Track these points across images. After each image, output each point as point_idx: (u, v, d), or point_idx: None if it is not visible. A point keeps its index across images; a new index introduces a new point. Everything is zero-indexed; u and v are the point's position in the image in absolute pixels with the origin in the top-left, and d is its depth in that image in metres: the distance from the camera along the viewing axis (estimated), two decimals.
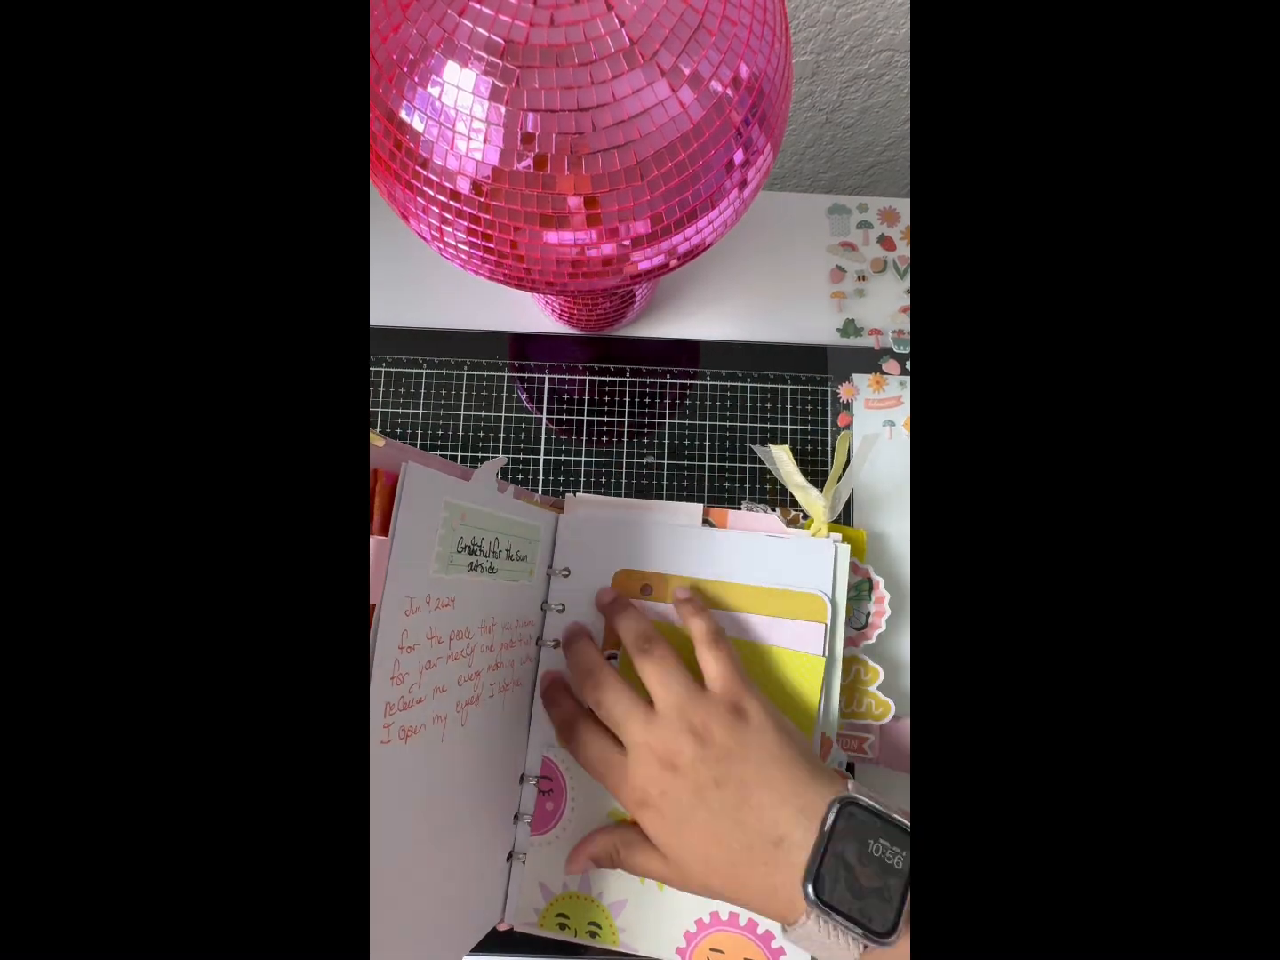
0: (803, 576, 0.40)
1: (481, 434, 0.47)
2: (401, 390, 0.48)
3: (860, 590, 0.43)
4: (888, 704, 0.41)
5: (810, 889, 0.30)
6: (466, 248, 0.30)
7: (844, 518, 0.46)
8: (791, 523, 0.42)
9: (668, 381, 0.49)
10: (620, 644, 0.39)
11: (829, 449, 0.47)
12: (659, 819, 0.34)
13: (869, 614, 0.43)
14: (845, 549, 0.40)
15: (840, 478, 0.42)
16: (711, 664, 0.36)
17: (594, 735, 0.36)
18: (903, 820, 0.31)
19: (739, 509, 0.43)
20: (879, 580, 0.43)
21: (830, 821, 0.31)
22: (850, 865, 0.30)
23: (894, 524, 0.46)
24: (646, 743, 0.34)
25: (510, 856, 0.39)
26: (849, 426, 0.47)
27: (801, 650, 0.39)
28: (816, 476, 0.47)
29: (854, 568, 0.43)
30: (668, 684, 0.35)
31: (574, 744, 0.37)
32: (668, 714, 0.35)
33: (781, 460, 0.43)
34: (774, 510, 0.43)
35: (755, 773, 0.33)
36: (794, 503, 0.46)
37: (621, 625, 0.39)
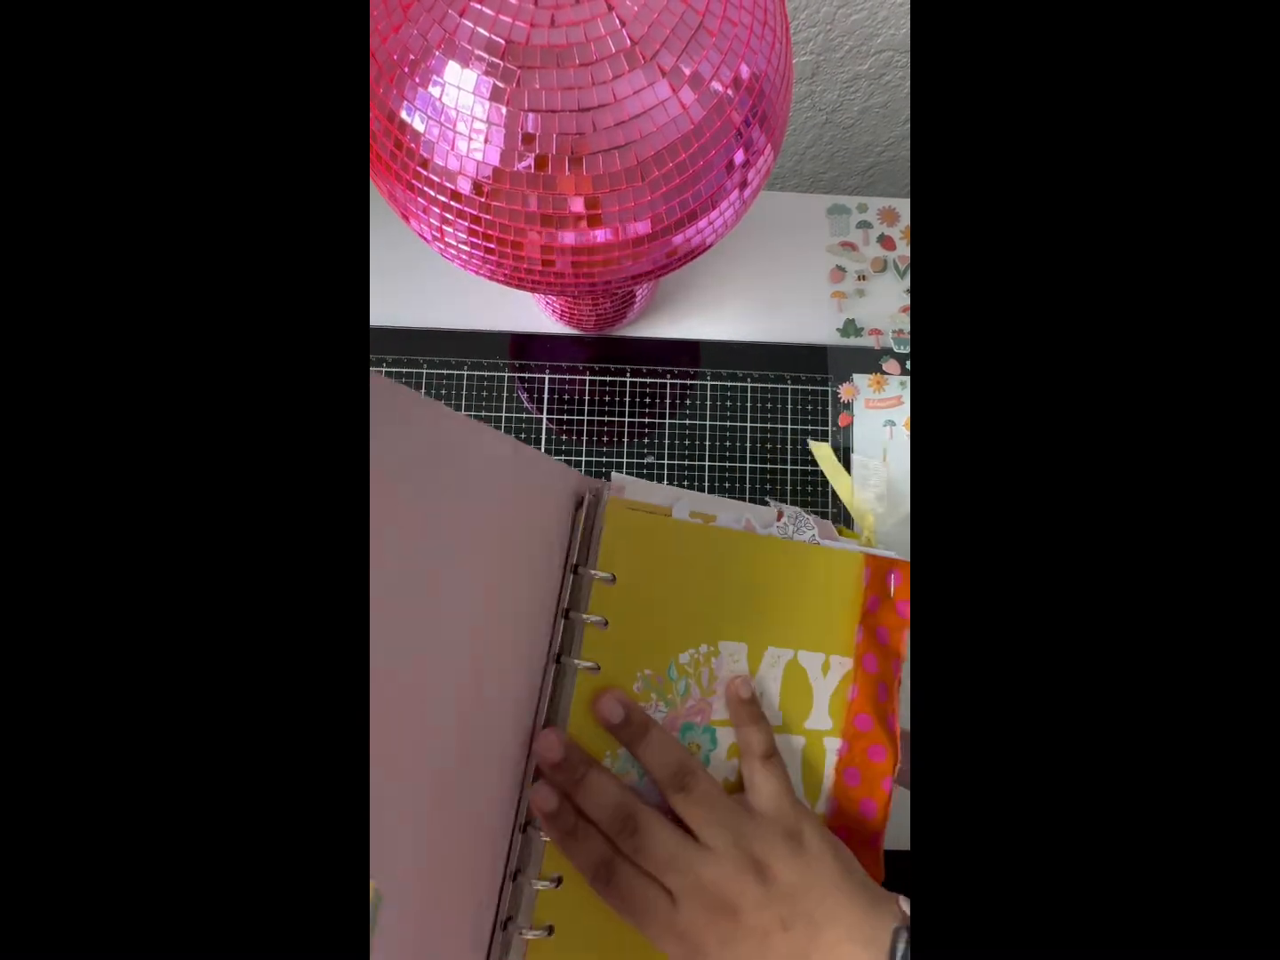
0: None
1: None
2: None
3: None
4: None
5: None
6: (467, 248, 0.30)
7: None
8: (839, 533, 0.42)
9: (668, 381, 0.49)
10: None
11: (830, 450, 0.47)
12: None
13: None
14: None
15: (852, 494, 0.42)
16: (765, 782, 0.33)
17: (639, 882, 0.31)
18: None
19: (805, 512, 0.42)
20: None
21: (901, 951, 0.29)
22: None
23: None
24: (701, 888, 0.31)
25: (506, 923, 0.33)
26: (850, 426, 0.47)
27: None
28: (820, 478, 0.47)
29: None
30: (715, 819, 0.32)
31: (611, 891, 0.32)
32: (722, 852, 0.31)
33: (843, 479, 0.43)
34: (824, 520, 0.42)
35: (820, 908, 0.31)
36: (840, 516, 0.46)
37: (648, 756, 0.33)
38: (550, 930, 0.31)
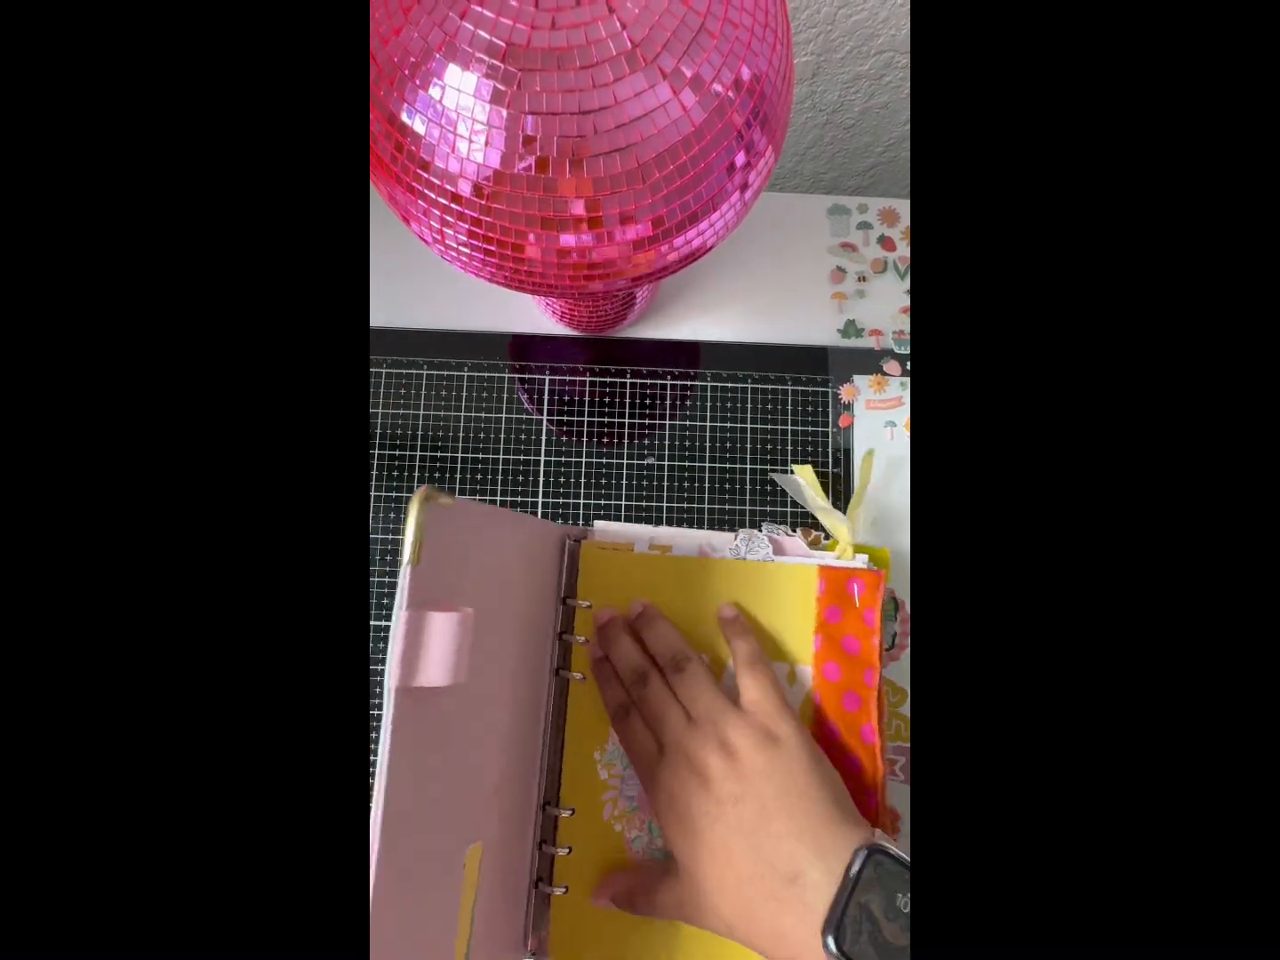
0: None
1: (482, 435, 0.47)
2: (401, 391, 0.48)
3: (886, 611, 0.41)
4: None
5: (831, 940, 0.29)
6: (467, 250, 0.30)
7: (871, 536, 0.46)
8: (813, 544, 0.42)
9: (668, 383, 0.49)
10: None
11: (829, 450, 0.47)
12: (680, 827, 0.34)
13: (895, 634, 0.42)
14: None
15: (862, 498, 0.42)
16: (751, 688, 0.36)
17: (640, 728, 0.37)
18: None
19: (759, 532, 0.42)
20: (904, 601, 0.42)
21: (857, 869, 0.30)
22: (875, 918, 0.29)
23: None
24: (680, 746, 0.35)
25: (537, 882, 0.38)
26: (850, 427, 0.47)
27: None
28: (824, 480, 0.47)
29: None
30: (700, 698, 0.36)
31: (622, 731, 0.38)
32: (701, 724, 0.35)
33: (803, 485, 0.42)
34: (795, 532, 0.42)
35: (776, 799, 0.32)
36: (816, 524, 0.46)
37: (652, 640, 0.38)
38: (566, 889, 0.37)
